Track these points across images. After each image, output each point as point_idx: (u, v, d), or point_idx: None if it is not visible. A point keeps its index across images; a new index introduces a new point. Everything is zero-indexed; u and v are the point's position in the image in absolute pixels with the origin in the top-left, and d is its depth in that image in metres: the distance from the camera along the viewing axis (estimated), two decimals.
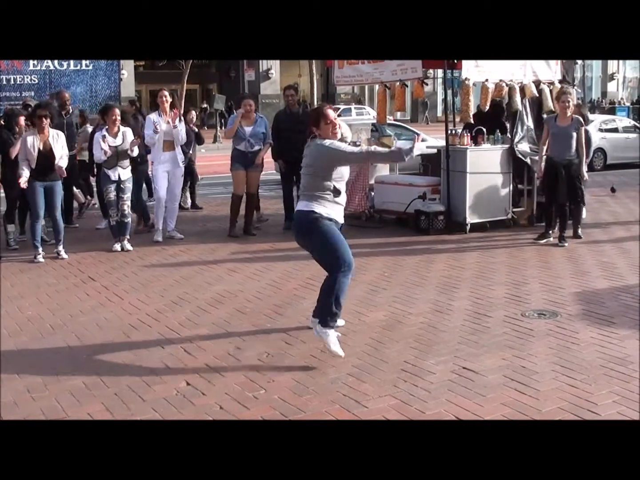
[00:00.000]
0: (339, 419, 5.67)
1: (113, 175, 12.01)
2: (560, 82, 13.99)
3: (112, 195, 12.07)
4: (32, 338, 7.83)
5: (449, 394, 6.12)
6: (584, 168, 12.19)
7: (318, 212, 7.09)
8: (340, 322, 7.69)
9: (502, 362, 6.81)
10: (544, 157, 12.28)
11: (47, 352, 7.41)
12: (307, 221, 7.14)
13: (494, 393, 6.12)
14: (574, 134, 12.00)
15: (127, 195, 12.16)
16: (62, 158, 11.33)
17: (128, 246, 12.15)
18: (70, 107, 14.58)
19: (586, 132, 13.08)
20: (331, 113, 7.18)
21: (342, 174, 7.24)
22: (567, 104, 12.02)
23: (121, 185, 12.07)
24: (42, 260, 11.36)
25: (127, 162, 12.11)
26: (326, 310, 7.14)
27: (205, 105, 51.09)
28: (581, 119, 12.22)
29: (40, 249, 11.47)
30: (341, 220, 7.33)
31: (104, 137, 11.92)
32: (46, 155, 11.24)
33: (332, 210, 7.19)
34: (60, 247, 11.61)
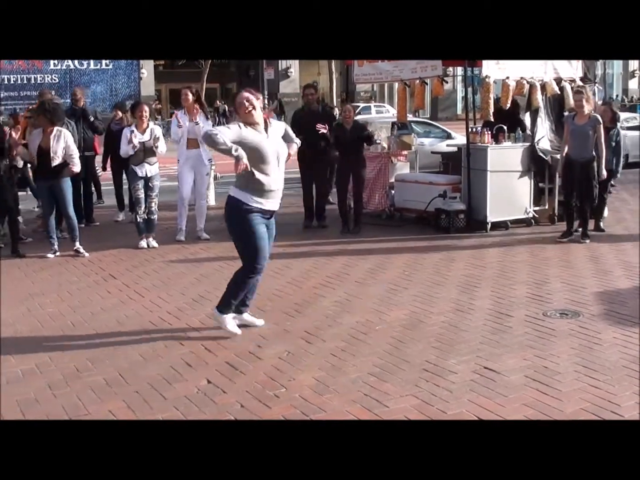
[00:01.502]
0: (360, 419, 5.66)
1: (140, 171, 12.04)
2: (581, 79, 13.92)
3: (141, 192, 12.10)
4: (53, 335, 7.86)
5: (471, 394, 6.08)
6: (602, 167, 12.15)
7: (248, 203, 7.38)
8: (259, 322, 8.03)
9: (524, 362, 6.77)
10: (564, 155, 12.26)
11: (68, 348, 7.42)
12: (237, 211, 7.45)
13: (516, 393, 6.08)
14: (591, 133, 11.95)
15: (155, 193, 12.22)
16: (58, 157, 11.38)
17: (154, 243, 12.22)
18: (85, 105, 14.56)
19: (617, 134, 13.03)
20: (244, 95, 7.35)
21: (263, 157, 7.33)
22: (581, 103, 11.99)
23: (149, 183, 12.11)
24: (51, 256, 11.46)
25: (154, 159, 12.12)
26: (225, 297, 7.70)
27: (218, 105, 51.01)
28: (599, 118, 12.15)
29: (54, 245, 11.56)
30: (273, 208, 7.53)
31: (132, 132, 11.95)
32: (44, 154, 11.32)
33: (262, 199, 7.40)
34: (77, 244, 11.65)
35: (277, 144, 7.43)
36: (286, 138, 7.70)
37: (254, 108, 7.34)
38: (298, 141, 7.87)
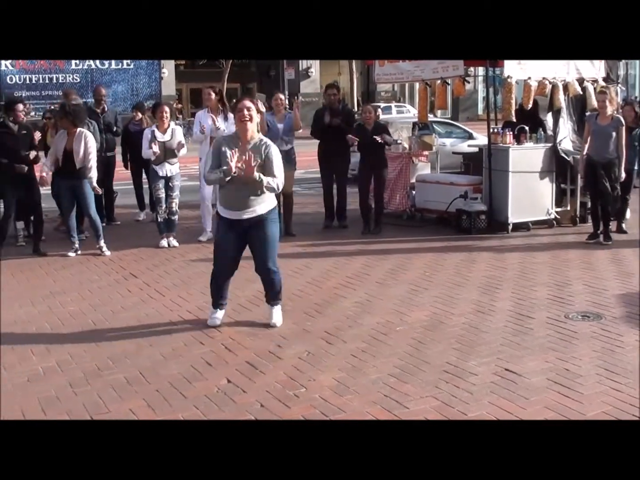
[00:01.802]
0: (379, 419, 5.64)
1: (161, 171, 12.06)
2: (604, 79, 13.84)
3: (161, 192, 12.13)
4: (74, 333, 7.89)
5: (491, 396, 6.06)
6: (623, 168, 12.09)
7: (218, 211, 7.92)
8: (275, 320, 8.11)
9: (545, 365, 6.73)
10: (585, 155, 12.22)
11: (88, 347, 7.45)
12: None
13: (537, 396, 6.05)
14: (614, 134, 11.90)
15: (176, 193, 12.25)
16: (80, 158, 11.42)
17: (174, 242, 12.27)
18: (105, 105, 14.54)
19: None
20: (244, 103, 7.56)
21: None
22: (604, 104, 11.94)
23: (169, 183, 12.13)
24: (72, 255, 11.54)
25: (175, 159, 12.15)
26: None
27: None
28: (622, 119, 12.12)
29: (75, 244, 11.64)
30: (237, 218, 7.74)
31: (152, 132, 11.98)
32: (68, 155, 11.38)
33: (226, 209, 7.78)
34: (102, 243, 11.71)
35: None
36: (267, 170, 7.69)
37: (250, 120, 7.45)
38: (275, 185, 7.76)
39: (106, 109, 14.40)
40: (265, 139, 7.81)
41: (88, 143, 11.53)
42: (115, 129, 14.25)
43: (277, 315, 8.09)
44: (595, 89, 13.35)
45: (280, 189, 7.87)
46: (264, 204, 7.67)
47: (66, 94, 14.22)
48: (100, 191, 11.72)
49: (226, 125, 12.41)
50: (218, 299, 8.16)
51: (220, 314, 8.18)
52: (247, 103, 7.53)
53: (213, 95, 12.47)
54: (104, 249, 11.67)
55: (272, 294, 8.11)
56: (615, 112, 12.13)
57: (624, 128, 12.04)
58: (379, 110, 21.55)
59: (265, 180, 7.54)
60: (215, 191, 12.74)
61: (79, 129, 11.53)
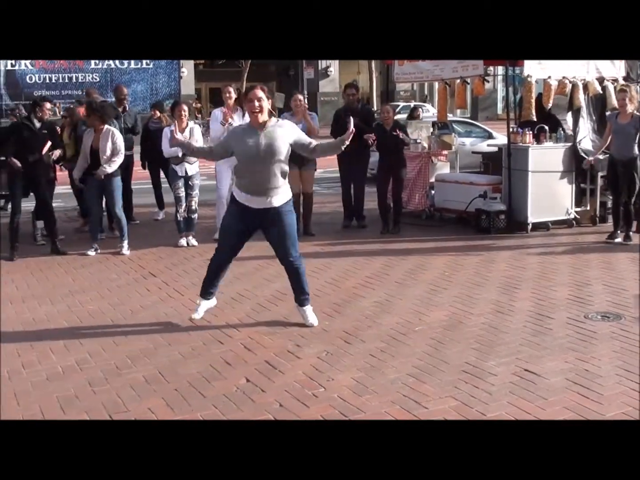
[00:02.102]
0: (398, 419, 5.64)
1: (180, 170, 12.09)
2: (624, 79, 13.78)
3: (181, 191, 12.15)
4: (93, 332, 7.92)
5: (511, 397, 6.04)
6: None
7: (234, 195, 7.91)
8: (211, 302, 8.26)
9: (565, 365, 6.71)
10: (604, 153, 12.26)
11: (107, 345, 7.47)
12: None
13: (556, 396, 6.03)
14: (634, 132, 11.86)
15: (196, 192, 12.27)
16: (107, 156, 11.47)
17: (193, 241, 12.28)
18: (127, 104, 14.55)
19: None
20: (255, 93, 7.55)
21: (241, 159, 7.82)
22: (624, 102, 11.91)
23: (189, 182, 12.16)
24: (91, 254, 11.58)
25: (194, 158, 12.16)
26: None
27: None
28: None
29: (95, 243, 11.67)
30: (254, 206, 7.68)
31: (172, 131, 11.97)
32: (95, 153, 11.41)
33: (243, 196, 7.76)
34: (125, 243, 11.74)
35: (268, 145, 7.54)
36: (299, 142, 7.86)
37: (261, 112, 7.52)
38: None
39: (127, 108, 14.42)
40: (277, 120, 7.85)
41: (116, 141, 11.61)
42: (136, 128, 14.27)
43: (310, 315, 8.07)
44: (615, 88, 13.28)
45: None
46: (279, 197, 7.67)
47: (88, 93, 14.28)
48: (101, 176, 11.61)
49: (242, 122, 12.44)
50: (208, 287, 8.15)
51: (205, 305, 8.18)
52: (258, 93, 7.51)
53: (233, 94, 12.48)
54: (125, 249, 11.71)
55: (299, 289, 8.06)
56: (635, 110, 12.06)
57: None
58: (419, 110, 21.26)
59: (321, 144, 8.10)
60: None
61: (106, 126, 11.58)
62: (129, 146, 13.59)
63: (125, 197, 13.91)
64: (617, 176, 11.97)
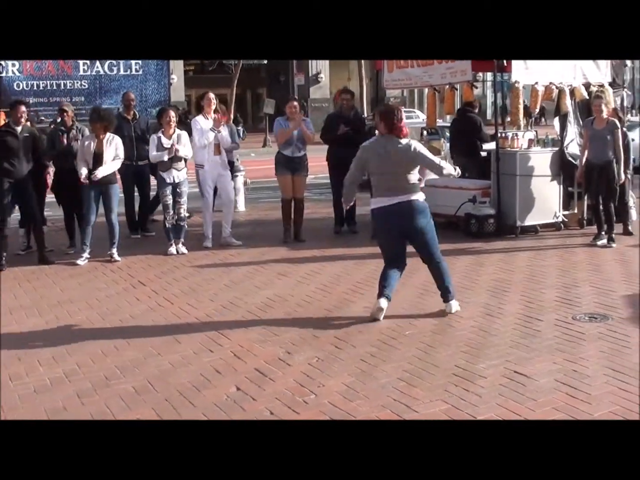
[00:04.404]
0: (388, 420, 5.65)
1: (168, 177, 12.07)
2: (610, 84, 13.87)
3: (169, 198, 12.10)
4: (81, 342, 7.90)
5: (500, 399, 6.08)
6: (622, 170, 12.20)
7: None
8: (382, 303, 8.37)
9: (554, 366, 6.75)
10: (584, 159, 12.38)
11: (96, 356, 7.46)
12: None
13: (546, 397, 6.07)
14: (609, 137, 12.01)
15: (184, 199, 12.21)
16: (106, 163, 11.49)
17: (183, 249, 12.24)
18: (136, 111, 14.08)
19: (624, 135, 12.89)
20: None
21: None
22: (600, 108, 12.08)
23: (177, 189, 12.13)
24: (80, 263, 11.50)
25: (182, 165, 12.16)
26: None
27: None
28: (617, 122, 12.20)
29: (86, 252, 11.63)
30: None
31: (159, 138, 12.02)
32: (98, 159, 11.40)
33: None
34: (114, 250, 11.74)
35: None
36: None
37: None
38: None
39: (137, 115, 14.00)
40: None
41: (119, 149, 11.69)
42: (148, 136, 13.87)
43: (454, 305, 8.55)
44: (590, 93, 13.37)
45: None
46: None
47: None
48: (85, 181, 11.57)
49: (225, 131, 12.47)
50: (381, 288, 8.41)
51: (383, 302, 8.38)
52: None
53: (210, 101, 12.50)
54: (115, 255, 11.70)
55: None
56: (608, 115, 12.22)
57: (619, 131, 12.13)
58: None
59: None
60: (222, 197, 12.83)
61: (108, 133, 11.61)
62: (142, 156, 13.30)
63: (141, 208, 13.77)
64: (594, 181, 12.14)
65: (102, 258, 11.72)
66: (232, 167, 14.23)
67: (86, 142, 11.65)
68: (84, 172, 11.45)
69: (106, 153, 11.48)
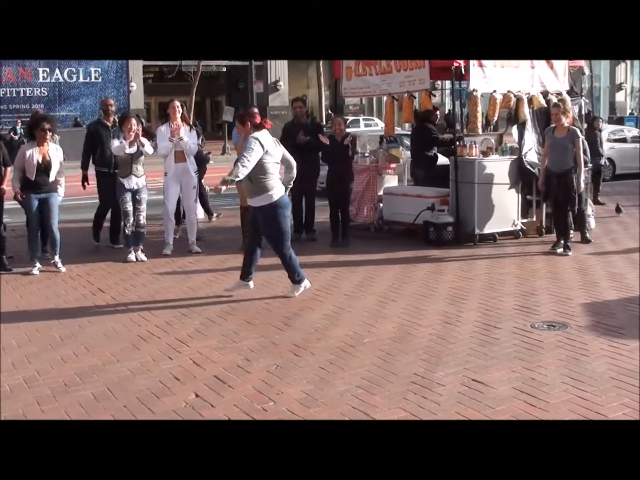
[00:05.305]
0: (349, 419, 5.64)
1: (128, 184, 11.99)
2: (568, 92, 14.00)
3: (129, 205, 12.01)
4: (40, 349, 7.84)
5: (459, 406, 6.10)
6: (582, 178, 12.31)
7: None
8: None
9: (512, 374, 6.79)
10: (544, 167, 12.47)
11: (55, 362, 7.41)
12: None
13: (504, 405, 6.10)
14: (570, 146, 12.10)
15: (143, 206, 12.12)
16: (58, 172, 11.40)
17: (142, 256, 12.16)
18: (115, 117, 13.57)
19: (583, 143, 13.03)
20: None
21: None
22: (558, 117, 12.19)
23: (137, 196, 12.04)
24: (37, 273, 11.33)
25: (141, 171, 12.09)
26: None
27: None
28: (578, 131, 12.34)
29: (37, 262, 11.47)
30: None
31: (121, 142, 11.94)
32: (45, 168, 11.28)
33: None
34: (57, 258, 11.55)
35: None
36: None
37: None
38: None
39: (117, 122, 13.32)
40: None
41: (61, 156, 11.57)
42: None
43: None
44: (548, 102, 13.49)
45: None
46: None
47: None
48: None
49: (189, 137, 12.47)
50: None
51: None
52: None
53: (176, 109, 12.48)
54: (59, 264, 11.51)
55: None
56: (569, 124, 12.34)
57: (580, 140, 12.23)
58: (599, 120, 20.49)
59: None
60: (184, 205, 12.81)
61: (52, 144, 11.50)
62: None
63: (113, 219, 13.53)
64: (554, 188, 12.23)
65: (50, 266, 11.56)
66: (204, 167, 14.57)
67: (27, 151, 11.30)
68: (17, 185, 11.31)
69: (53, 162, 11.33)
